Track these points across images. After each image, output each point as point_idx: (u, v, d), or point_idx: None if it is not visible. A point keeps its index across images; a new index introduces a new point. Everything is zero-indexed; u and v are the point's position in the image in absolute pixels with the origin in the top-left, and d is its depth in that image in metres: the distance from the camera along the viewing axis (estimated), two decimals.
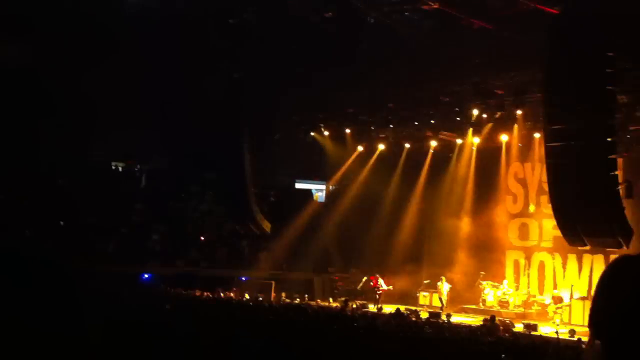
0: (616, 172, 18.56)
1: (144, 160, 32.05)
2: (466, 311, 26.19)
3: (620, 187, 18.77)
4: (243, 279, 28.83)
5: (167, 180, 31.08)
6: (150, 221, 29.54)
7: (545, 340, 18.26)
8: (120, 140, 29.38)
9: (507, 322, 21.43)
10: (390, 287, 27.46)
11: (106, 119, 26.83)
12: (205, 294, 25.73)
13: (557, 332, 19.72)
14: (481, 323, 20.91)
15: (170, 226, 29.69)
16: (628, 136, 22.03)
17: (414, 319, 21.42)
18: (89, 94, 25.07)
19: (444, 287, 26.28)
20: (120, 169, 32.11)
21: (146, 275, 27.30)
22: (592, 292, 2.20)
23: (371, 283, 27.11)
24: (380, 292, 26.76)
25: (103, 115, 26.64)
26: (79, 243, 25.78)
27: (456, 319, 23.02)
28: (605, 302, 2.07)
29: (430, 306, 26.90)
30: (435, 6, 20.38)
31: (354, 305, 25.43)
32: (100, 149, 29.57)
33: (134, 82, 24.93)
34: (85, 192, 28.01)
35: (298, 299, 26.80)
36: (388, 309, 24.12)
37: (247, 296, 25.73)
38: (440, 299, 26.19)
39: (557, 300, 23.85)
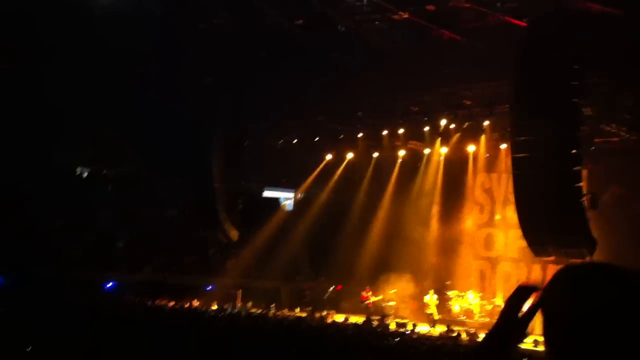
0: (581, 184, 18.82)
1: (110, 165, 31.54)
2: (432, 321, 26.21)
3: (585, 198, 19.02)
4: (209, 288, 28.50)
5: (134, 186, 30.59)
6: (117, 227, 29.05)
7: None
8: (86, 145, 28.89)
9: (472, 332, 21.49)
10: (380, 298, 27.34)
11: (72, 124, 26.38)
12: (171, 303, 25.40)
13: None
14: (444, 333, 20.91)
15: (137, 233, 29.23)
16: (593, 148, 22.37)
17: (379, 329, 21.35)
18: (54, 98, 24.65)
19: (433, 299, 25.62)
20: (85, 174, 31.54)
21: (110, 284, 26.81)
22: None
23: (363, 296, 26.79)
24: (370, 303, 26.53)
25: (68, 120, 26.19)
26: (43, 249, 25.26)
27: (422, 328, 23.02)
28: (554, 312, 2.08)
29: (396, 316, 26.87)
30: (405, 16, 20.52)
31: (321, 315, 25.28)
32: (65, 154, 28.98)
33: (101, 85, 24.58)
34: (50, 197, 27.45)
35: (264, 309, 26.57)
36: (356, 318, 24.04)
37: (214, 306, 25.42)
38: (430, 314, 25.30)
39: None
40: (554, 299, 2.08)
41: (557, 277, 2.13)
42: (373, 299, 26.85)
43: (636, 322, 1.92)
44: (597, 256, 20.00)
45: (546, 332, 2.09)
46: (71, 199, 28.09)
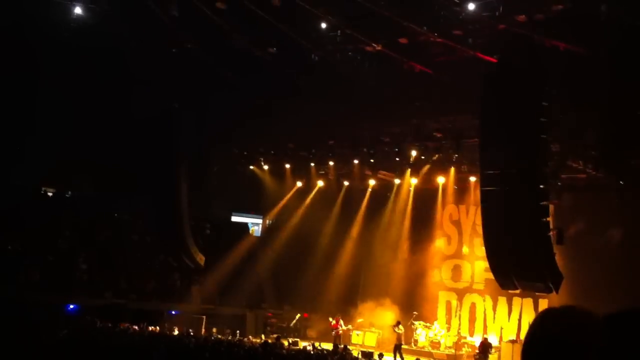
0: (548, 219, 19.01)
1: (74, 186, 30.97)
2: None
3: (551, 233, 19.21)
4: (173, 313, 28.00)
5: (97, 207, 30.05)
6: (78, 249, 28.44)
7: None
8: (50, 164, 28.36)
9: None
10: (349, 327, 27.06)
11: (32, 143, 25.99)
12: (132, 327, 24.87)
13: None
14: None
15: (99, 255, 28.66)
16: (559, 184, 22.65)
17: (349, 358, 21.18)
18: (11, 117, 24.31)
19: (399, 329, 24.62)
20: (50, 194, 30.93)
21: (71, 306, 26.18)
22: (522, 337, 2.29)
23: (332, 323, 26.40)
24: (341, 332, 26.18)
25: (28, 139, 25.80)
26: (2, 270, 24.60)
27: (388, 359, 22.87)
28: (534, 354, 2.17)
29: (362, 345, 26.70)
30: (378, 48, 20.71)
31: (287, 342, 24.99)
32: (27, 173, 28.37)
33: (66, 105, 24.28)
34: (10, 216, 26.82)
35: (230, 335, 26.19)
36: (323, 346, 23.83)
37: (176, 331, 24.96)
38: (399, 349, 24.07)
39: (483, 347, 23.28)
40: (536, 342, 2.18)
41: (534, 329, 2.22)
42: (342, 328, 26.62)
43: None
44: (563, 290, 20.19)
45: None
46: (30, 220, 27.48)
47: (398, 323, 24.67)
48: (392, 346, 25.52)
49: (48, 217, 28.49)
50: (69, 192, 31.53)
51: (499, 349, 24.15)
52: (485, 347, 22.43)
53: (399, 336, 24.22)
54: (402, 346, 24.46)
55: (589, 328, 2.12)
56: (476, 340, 25.34)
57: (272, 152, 29.60)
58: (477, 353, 22.40)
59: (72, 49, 21.94)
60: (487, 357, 21.88)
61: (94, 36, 21.43)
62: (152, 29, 21.40)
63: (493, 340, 24.76)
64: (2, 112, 24.17)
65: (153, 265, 29.69)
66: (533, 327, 2.24)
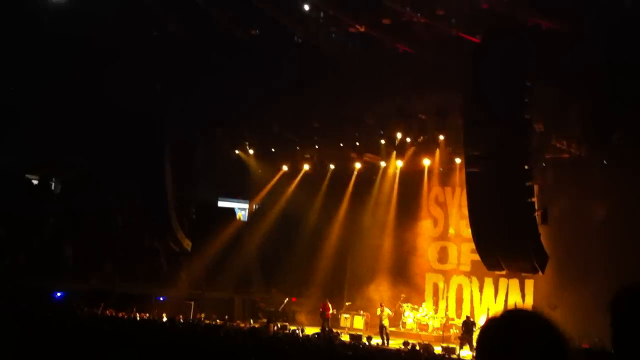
0: (533, 199, 19.05)
1: (58, 171, 30.69)
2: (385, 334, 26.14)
3: (536, 213, 19.26)
4: (161, 298, 27.93)
5: (82, 192, 29.79)
6: (64, 234, 28.26)
7: None
8: (34, 149, 28.07)
9: (427, 344, 21.50)
10: (334, 312, 27.03)
11: (20, 128, 25.70)
12: (119, 314, 24.82)
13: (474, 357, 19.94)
14: (401, 347, 20.90)
15: (85, 240, 28.50)
16: (544, 164, 22.71)
17: (336, 341, 21.20)
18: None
19: (386, 312, 24.47)
20: (34, 181, 30.66)
21: (58, 294, 26.05)
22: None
23: (320, 309, 26.43)
24: (328, 315, 26.20)
25: (17, 124, 25.52)
26: None
27: (376, 341, 22.93)
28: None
29: (351, 328, 26.77)
30: (362, 29, 20.56)
31: (275, 327, 25.01)
32: (12, 159, 28.08)
33: (50, 90, 23.99)
34: None
35: (217, 320, 26.19)
36: (311, 330, 23.87)
37: (164, 317, 24.92)
38: (383, 330, 24.00)
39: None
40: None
41: (487, 329, 2.20)
42: (330, 312, 26.66)
43: None
44: (548, 270, 20.32)
45: None
46: (16, 205, 27.24)
47: (381, 305, 24.67)
48: (379, 329, 25.65)
49: (33, 204, 28.25)
50: (53, 179, 31.24)
51: None
52: (468, 326, 22.52)
53: (380, 318, 24.19)
54: (390, 328, 24.49)
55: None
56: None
57: (257, 136, 29.45)
58: (462, 333, 22.51)
59: (54, 33, 21.66)
60: (472, 335, 21.98)
61: (75, 20, 21.16)
62: (135, 12, 21.18)
63: (480, 321, 24.88)
64: None
65: (139, 250, 29.56)
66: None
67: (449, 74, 19.79)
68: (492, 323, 2.20)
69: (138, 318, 25.21)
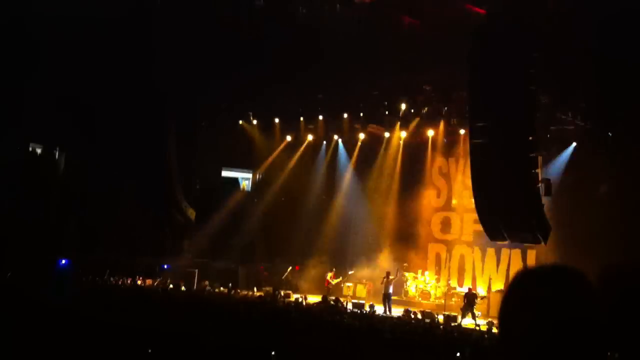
0: (537, 170, 19.15)
1: (63, 144, 30.68)
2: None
3: (540, 184, 19.37)
4: (165, 267, 28.24)
5: (86, 164, 29.85)
6: (69, 206, 28.42)
7: (466, 332, 18.63)
8: (38, 123, 28.07)
9: (429, 312, 21.82)
10: (340, 279, 27.38)
11: (23, 102, 25.71)
12: (123, 281, 25.14)
13: (477, 325, 20.27)
14: (402, 314, 21.22)
15: (90, 211, 28.67)
16: (548, 136, 22.76)
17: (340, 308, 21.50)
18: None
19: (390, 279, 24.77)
20: (38, 151, 30.69)
21: (63, 261, 26.31)
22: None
23: (327, 279, 26.85)
24: (332, 286, 26.62)
25: (21, 98, 25.53)
26: None
27: (379, 309, 23.23)
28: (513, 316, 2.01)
29: (353, 296, 27.09)
30: (367, 1, 20.44)
31: (280, 295, 25.31)
32: (17, 132, 28.09)
33: (54, 68, 23.95)
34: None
35: (222, 287, 26.51)
36: (313, 298, 24.17)
37: (170, 285, 25.24)
38: (388, 298, 24.12)
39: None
40: (513, 315, 2.00)
41: (514, 286, 2.04)
42: (334, 281, 27.00)
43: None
44: (551, 241, 20.48)
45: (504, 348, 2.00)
46: (18, 178, 27.36)
47: (387, 274, 24.94)
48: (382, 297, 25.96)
49: (39, 175, 28.36)
50: (57, 149, 31.23)
51: (487, 298, 24.58)
52: (470, 298, 22.77)
53: (386, 286, 24.44)
54: (392, 297, 24.79)
55: (580, 295, 1.95)
56: (465, 291, 25.75)
57: (261, 107, 29.43)
58: (464, 304, 22.76)
59: (58, 15, 21.61)
60: (473, 307, 22.27)
61: (78, 15, 21.15)
62: None
63: (481, 291, 25.21)
64: None
65: (145, 220, 29.73)
66: (514, 286, 2.04)
67: (455, 46, 19.71)
68: (521, 279, 2.05)
69: (143, 284, 25.66)
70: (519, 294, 2.02)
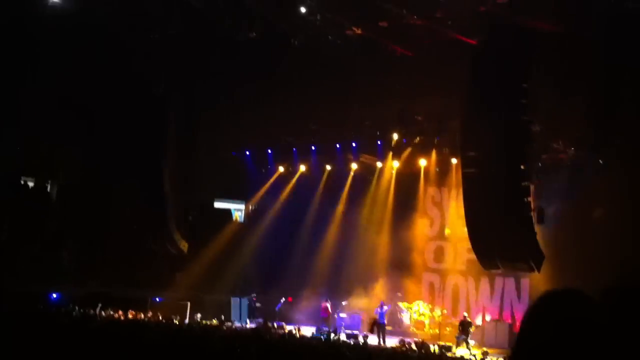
0: (529, 199, 19.23)
1: (55, 175, 30.58)
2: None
3: (532, 212, 19.44)
4: (157, 299, 27.98)
5: (79, 195, 29.73)
6: (62, 239, 28.24)
7: None
8: (30, 153, 28.04)
9: (423, 342, 21.63)
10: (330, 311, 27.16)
11: (16, 132, 25.70)
12: (116, 315, 24.85)
13: (472, 355, 20.14)
14: (397, 345, 21.05)
15: (83, 244, 28.49)
16: (540, 164, 22.89)
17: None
18: None
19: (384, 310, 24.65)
20: (30, 184, 30.55)
21: (54, 295, 26.08)
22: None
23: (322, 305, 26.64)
24: (328, 314, 26.39)
25: (13, 127, 25.51)
26: None
27: (373, 339, 23.03)
28: (531, 338, 2.13)
29: (347, 327, 26.84)
30: (358, 32, 20.69)
31: (273, 327, 25.08)
32: (9, 163, 28.01)
33: (48, 91, 24.00)
34: None
35: (214, 320, 26.25)
36: (305, 330, 23.96)
37: (160, 318, 24.95)
38: (382, 329, 23.80)
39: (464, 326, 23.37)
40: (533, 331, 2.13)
41: (535, 308, 2.18)
42: (329, 311, 26.80)
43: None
44: (544, 269, 20.46)
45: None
46: (14, 209, 27.22)
47: (382, 304, 24.79)
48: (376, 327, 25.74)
49: (31, 207, 28.21)
50: (49, 181, 31.10)
51: (482, 328, 24.45)
52: (464, 326, 22.66)
53: (380, 316, 24.23)
54: (387, 327, 24.58)
55: (592, 309, 2.12)
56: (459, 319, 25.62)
57: (254, 137, 29.52)
58: (459, 332, 22.63)
59: (56, 34, 21.69)
60: (468, 335, 22.15)
61: (76, 21, 21.21)
62: (136, 14, 21.24)
63: (478, 321, 25.11)
64: None
65: (137, 253, 29.54)
66: (536, 308, 2.19)
67: (447, 77, 19.95)
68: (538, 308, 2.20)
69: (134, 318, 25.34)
70: (539, 312, 2.17)
